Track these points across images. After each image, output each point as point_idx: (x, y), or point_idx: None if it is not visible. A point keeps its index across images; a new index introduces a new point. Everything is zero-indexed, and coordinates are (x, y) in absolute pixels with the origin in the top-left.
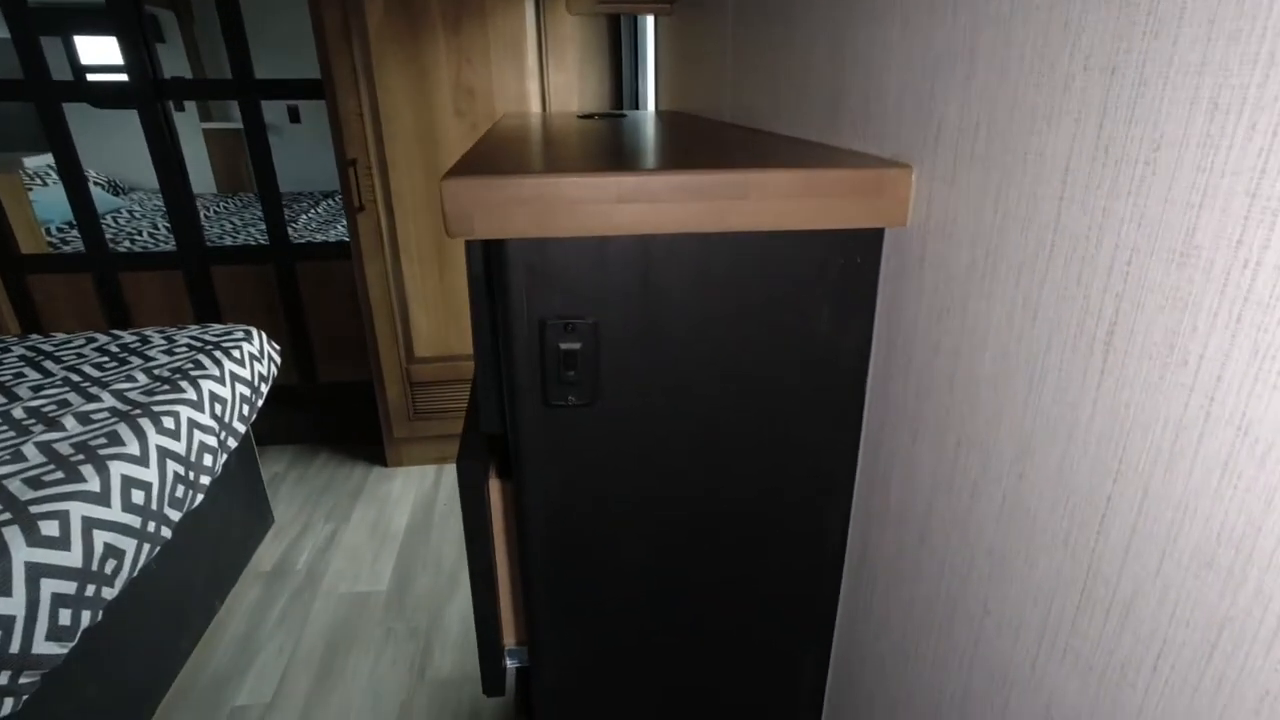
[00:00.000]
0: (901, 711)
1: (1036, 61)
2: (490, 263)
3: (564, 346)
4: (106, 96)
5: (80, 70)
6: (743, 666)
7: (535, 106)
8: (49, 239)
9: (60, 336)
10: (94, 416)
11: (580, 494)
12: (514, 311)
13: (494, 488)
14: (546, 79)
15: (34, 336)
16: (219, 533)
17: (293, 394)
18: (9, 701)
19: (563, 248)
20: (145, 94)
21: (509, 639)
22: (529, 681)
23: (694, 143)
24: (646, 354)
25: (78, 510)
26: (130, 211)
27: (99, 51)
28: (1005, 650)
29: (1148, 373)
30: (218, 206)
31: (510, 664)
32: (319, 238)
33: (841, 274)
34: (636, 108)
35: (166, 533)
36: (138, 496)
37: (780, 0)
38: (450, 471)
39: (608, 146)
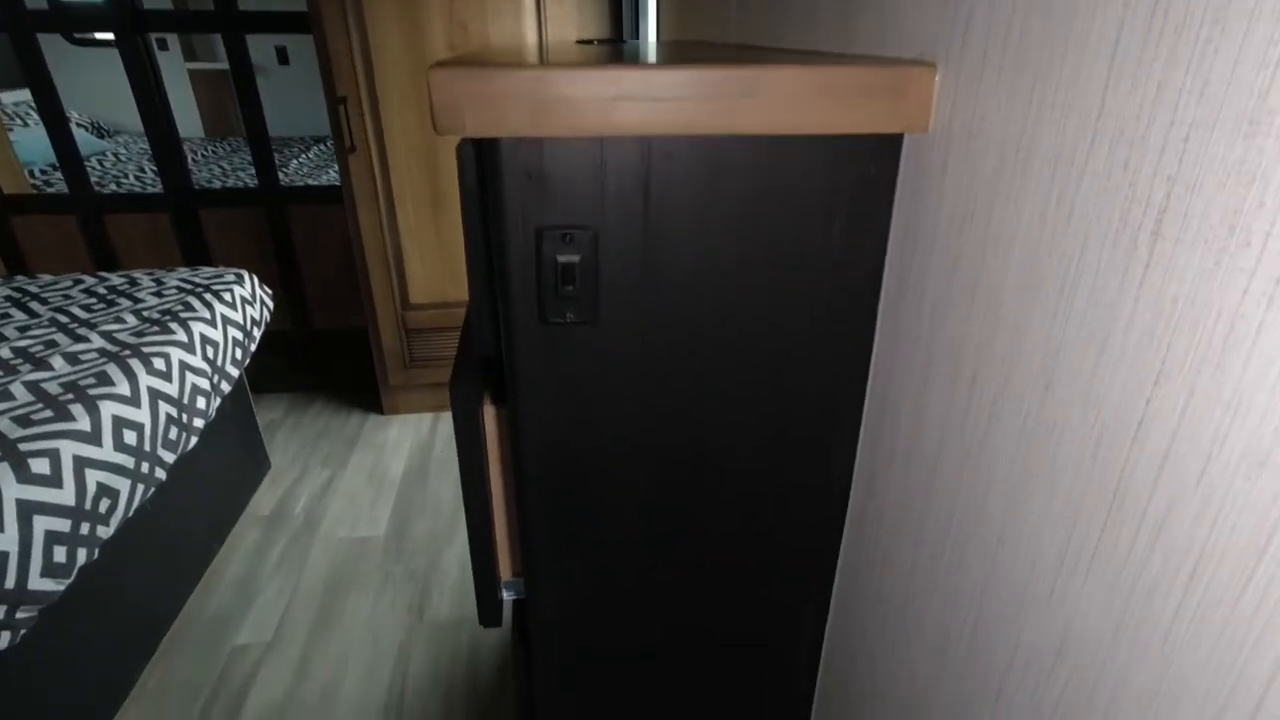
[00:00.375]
0: (906, 646)
1: None
2: (483, 169)
3: (561, 259)
4: (84, 23)
5: (59, 6)
6: (742, 603)
7: (531, 40)
8: (32, 181)
9: (46, 278)
10: (82, 357)
11: (578, 419)
12: (509, 221)
13: (489, 414)
14: (544, 12)
15: (19, 278)
16: (215, 477)
17: (287, 341)
18: (6, 635)
19: (560, 151)
20: (124, 22)
21: (505, 571)
22: (525, 614)
23: (697, 56)
24: (648, 269)
25: (69, 449)
26: (115, 154)
27: None
28: (1021, 579)
29: (1200, 261)
30: (205, 150)
31: (507, 596)
32: (310, 183)
33: (855, 187)
34: (637, 35)
35: (161, 474)
36: (130, 437)
37: None
38: (447, 420)
39: (609, 58)
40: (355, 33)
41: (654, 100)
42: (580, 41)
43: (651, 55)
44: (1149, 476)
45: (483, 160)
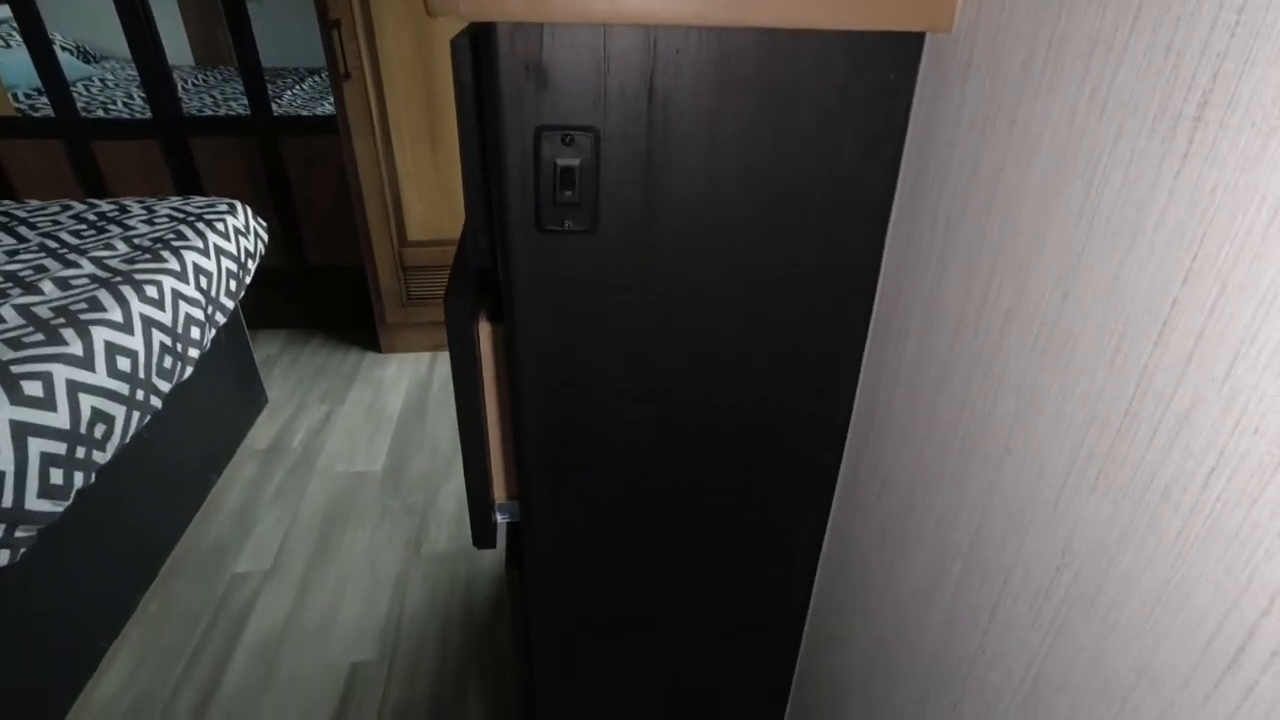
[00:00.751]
0: (903, 566)
1: None
2: (479, 63)
3: (561, 163)
4: None
5: None
6: (738, 527)
7: None
8: (16, 105)
9: (34, 203)
10: (73, 282)
11: (575, 334)
12: (506, 120)
13: (485, 331)
14: None
15: (6, 202)
16: (212, 410)
17: (283, 277)
18: (5, 553)
19: (561, 41)
20: None
21: (500, 494)
22: (520, 536)
23: None
24: (652, 176)
25: (61, 373)
26: (102, 80)
27: None
28: (1026, 490)
29: (1247, 144)
30: (195, 79)
31: (501, 519)
32: (304, 115)
33: (872, 90)
34: None
35: (156, 402)
36: (124, 364)
37: None
38: (445, 359)
39: None
40: None
41: None
42: None
43: None
44: (1171, 378)
45: (479, 54)
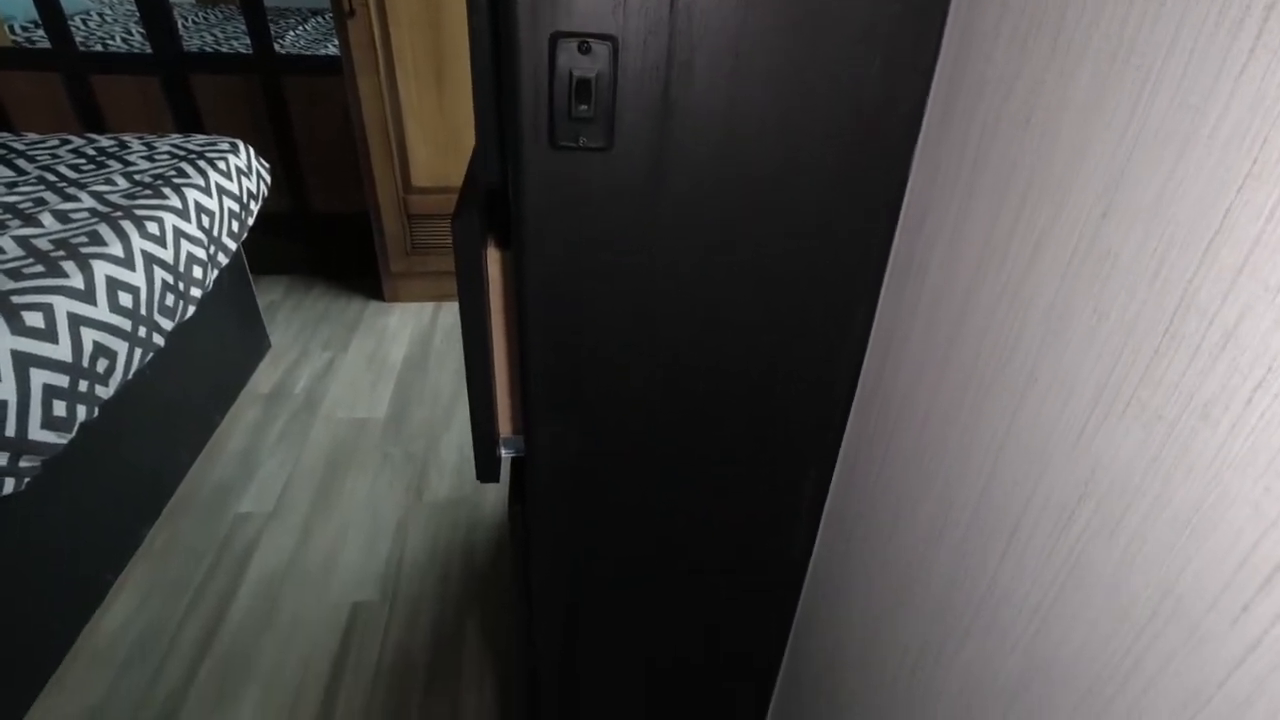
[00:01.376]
0: (910, 512)
1: None
2: None
3: (577, 73)
4: None
5: None
6: (740, 468)
7: None
8: (13, 37)
9: (32, 136)
10: (73, 216)
11: (585, 262)
12: (520, 23)
13: (493, 258)
14: None
15: (4, 134)
16: (215, 351)
17: (286, 222)
18: (10, 482)
19: None
20: None
21: (505, 427)
22: (523, 471)
23: None
24: (671, 91)
25: (62, 305)
26: (100, 14)
27: None
28: (1049, 420)
29: None
30: (195, 17)
31: (505, 453)
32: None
33: (904, 5)
34: None
35: (159, 340)
36: (125, 299)
37: None
38: (448, 310)
39: None
40: None
41: None
42: None
43: None
44: (1218, 291)
45: None
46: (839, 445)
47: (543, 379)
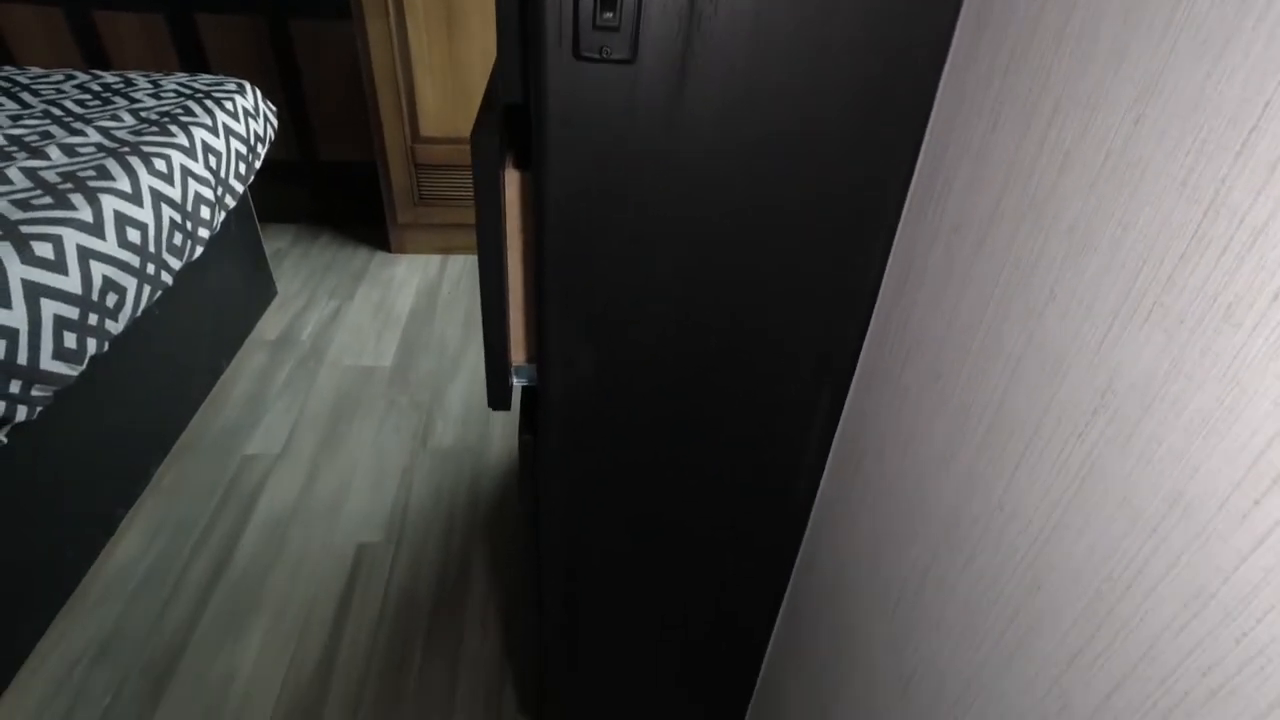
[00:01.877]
0: (924, 434)
1: None
2: None
3: None
4: None
5: None
6: (749, 405)
7: None
8: None
9: (36, 70)
10: (80, 150)
11: (608, 180)
12: None
13: (511, 179)
14: None
15: (8, 68)
16: (223, 294)
17: (293, 170)
18: (23, 409)
19: None
20: None
21: (518, 355)
22: (536, 401)
23: None
24: (696, 3)
25: (71, 237)
26: None
27: None
28: (1068, 334)
29: None
30: None
31: (517, 381)
32: None
33: None
34: None
35: (167, 278)
36: (133, 235)
37: None
38: (455, 262)
39: None
40: None
41: None
42: None
43: None
44: (1251, 189)
45: None
46: (853, 371)
47: (558, 302)
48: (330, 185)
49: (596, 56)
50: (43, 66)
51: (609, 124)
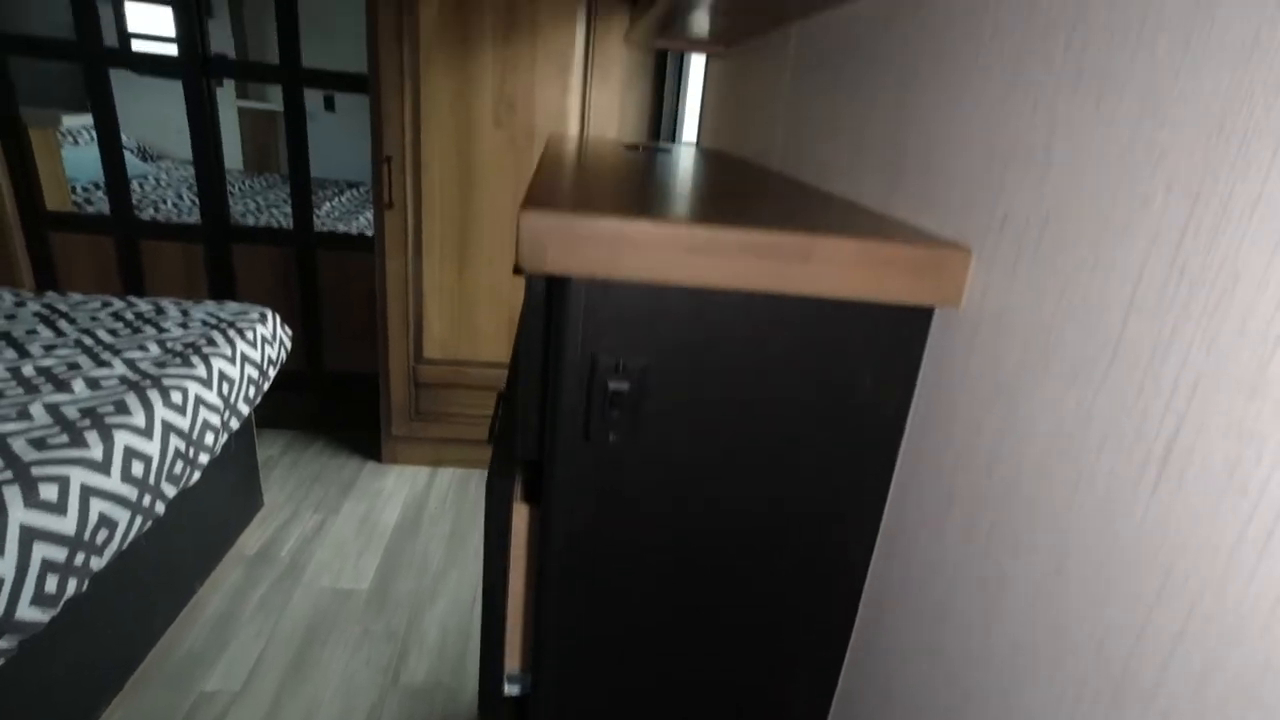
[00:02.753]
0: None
1: (1117, 174)
2: (551, 295)
3: (612, 386)
4: (155, 67)
5: (125, 35)
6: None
7: (575, 124)
8: (73, 198)
9: (76, 297)
10: (104, 383)
11: (606, 529)
12: (568, 347)
13: (520, 512)
14: (588, 97)
15: (50, 294)
16: (208, 512)
17: (297, 379)
18: None
19: (625, 289)
20: (192, 69)
21: (512, 663)
22: (524, 711)
23: (749, 192)
24: (690, 400)
25: (78, 477)
26: (156, 179)
27: (144, 19)
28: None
29: (1204, 493)
30: (243, 184)
31: (511, 689)
32: (340, 228)
33: (887, 345)
34: (674, 138)
35: (160, 508)
36: (137, 468)
37: (844, 62)
38: (444, 475)
39: (667, 188)
40: (409, 98)
41: (718, 255)
42: (628, 147)
43: (703, 181)
44: None
45: (551, 285)
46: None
47: (556, 632)
48: (331, 392)
49: (604, 439)
50: (84, 289)
51: (610, 486)
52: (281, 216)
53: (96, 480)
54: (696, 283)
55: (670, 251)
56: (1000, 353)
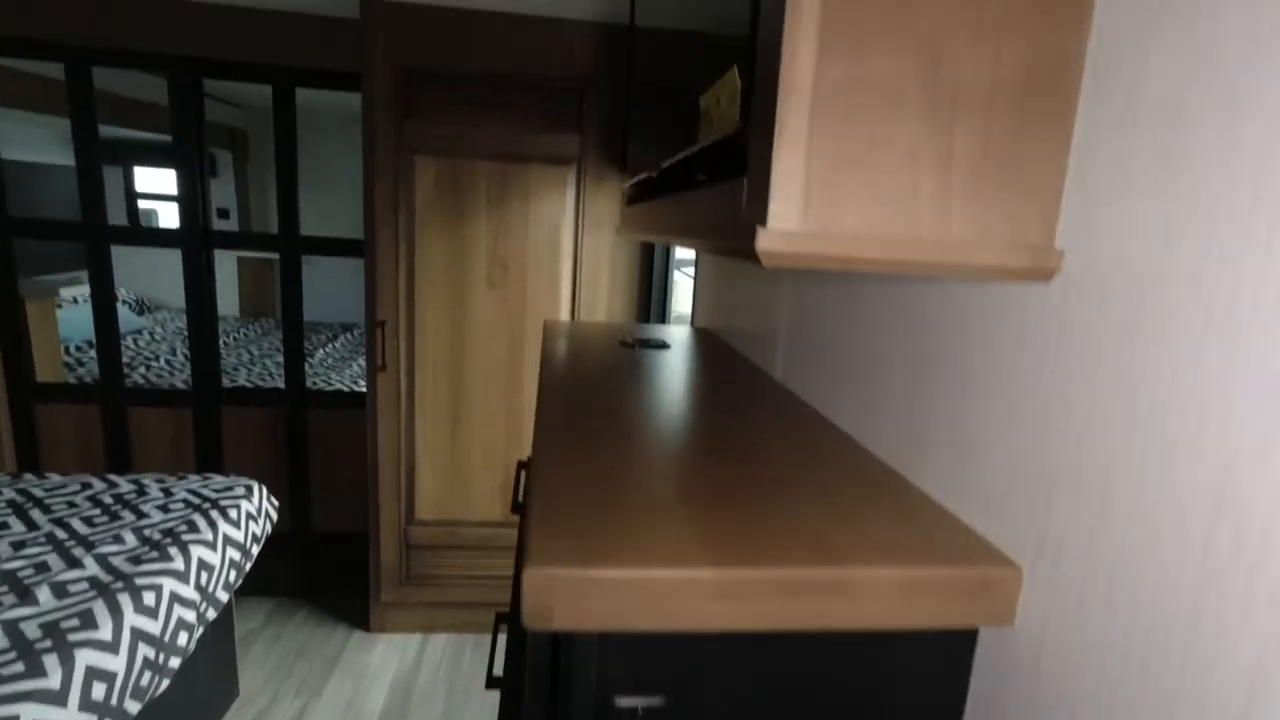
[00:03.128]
0: None
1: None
2: (559, 645)
3: None
4: (158, 242)
5: (133, 195)
6: None
7: (566, 284)
8: (65, 358)
9: (54, 479)
10: (71, 588)
11: None
12: (577, 693)
13: None
14: (580, 260)
15: (28, 477)
16: (177, 709)
17: (283, 542)
18: None
19: (641, 642)
20: (193, 241)
21: None
22: None
23: (757, 442)
24: None
25: (29, 713)
26: (151, 333)
27: (151, 180)
28: None
29: None
30: (238, 333)
31: None
32: (333, 376)
33: (931, 671)
34: (665, 307)
35: None
36: (98, 691)
37: (849, 304)
38: (435, 643)
39: (667, 467)
40: (404, 261)
41: (745, 600)
42: (625, 345)
43: (710, 408)
44: None
45: (558, 641)
46: None
47: None
48: (318, 553)
49: None
50: (66, 461)
51: None
52: (274, 366)
53: (50, 714)
54: (725, 627)
55: (693, 600)
56: (1068, 673)
